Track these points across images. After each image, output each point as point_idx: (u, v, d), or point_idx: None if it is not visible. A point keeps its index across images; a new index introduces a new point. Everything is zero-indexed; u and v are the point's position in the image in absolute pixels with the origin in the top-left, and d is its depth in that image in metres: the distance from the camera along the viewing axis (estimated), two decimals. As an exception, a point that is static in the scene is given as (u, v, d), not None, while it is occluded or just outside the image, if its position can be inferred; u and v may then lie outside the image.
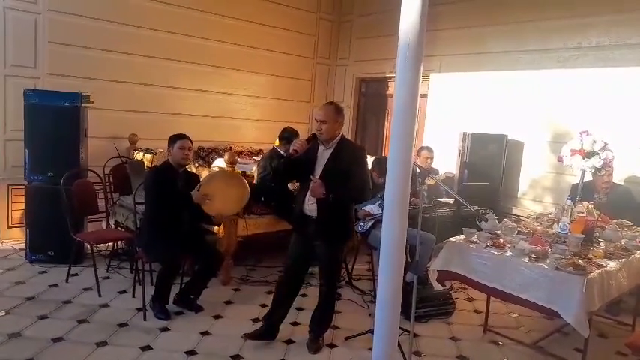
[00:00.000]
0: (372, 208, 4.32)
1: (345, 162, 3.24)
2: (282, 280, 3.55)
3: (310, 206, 3.27)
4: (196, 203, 3.75)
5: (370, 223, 4.34)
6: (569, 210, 3.71)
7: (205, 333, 3.64)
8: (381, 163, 4.46)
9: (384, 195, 2.27)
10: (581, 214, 3.65)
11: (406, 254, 4.25)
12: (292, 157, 3.15)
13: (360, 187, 3.27)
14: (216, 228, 4.54)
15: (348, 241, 3.53)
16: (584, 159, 4.27)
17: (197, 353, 3.33)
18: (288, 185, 4.63)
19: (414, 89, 2.13)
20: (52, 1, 5.54)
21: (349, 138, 8.08)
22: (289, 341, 3.56)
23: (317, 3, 8.00)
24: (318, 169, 3.25)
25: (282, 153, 4.54)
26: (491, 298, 3.84)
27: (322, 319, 3.53)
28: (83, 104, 4.89)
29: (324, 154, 3.28)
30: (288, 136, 4.84)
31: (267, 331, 3.48)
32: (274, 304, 3.51)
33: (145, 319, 3.77)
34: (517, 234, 3.61)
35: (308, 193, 3.25)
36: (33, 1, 5.45)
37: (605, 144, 4.29)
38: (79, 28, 5.74)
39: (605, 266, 3.08)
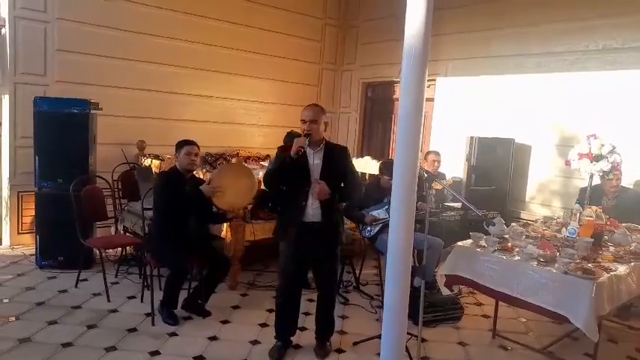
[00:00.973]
0: (378, 212, 4.32)
1: (338, 162, 3.30)
2: (281, 302, 3.43)
3: (314, 211, 3.24)
4: (206, 203, 3.75)
5: (377, 228, 4.33)
6: (578, 214, 3.69)
7: (213, 338, 3.64)
8: (390, 166, 4.44)
9: (390, 200, 2.27)
10: (589, 218, 3.63)
11: (414, 259, 4.25)
12: (299, 154, 3.13)
13: (357, 184, 3.41)
14: (223, 233, 4.56)
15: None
16: (592, 162, 4.24)
17: (205, 358, 3.34)
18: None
19: (420, 94, 2.13)
20: (60, 9, 5.61)
21: (355, 143, 8.15)
22: (297, 346, 3.55)
23: (323, 9, 8.04)
24: (315, 172, 3.24)
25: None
26: (500, 303, 3.82)
27: (329, 323, 3.53)
28: (92, 111, 4.95)
29: (315, 157, 3.26)
30: (292, 139, 4.85)
31: (284, 346, 3.46)
32: (282, 324, 3.45)
33: (153, 325, 3.79)
34: (525, 238, 3.59)
35: (310, 198, 3.22)
36: (42, 10, 5.52)
37: (614, 147, 4.26)
38: (87, 35, 5.81)
39: (615, 270, 3.06)
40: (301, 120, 3.25)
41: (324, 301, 3.49)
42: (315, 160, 3.26)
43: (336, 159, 3.30)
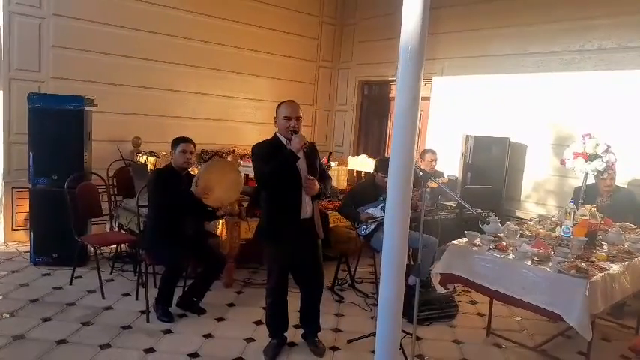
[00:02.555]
0: (374, 211, 4.33)
1: (314, 157, 3.33)
2: (274, 301, 3.39)
3: (307, 207, 3.28)
4: (199, 201, 3.75)
5: (373, 226, 4.34)
6: (572, 213, 3.71)
7: (208, 335, 3.64)
8: (386, 164, 4.44)
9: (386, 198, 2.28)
10: (584, 217, 3.65)
11: (409, 257, 4.26)
12: (305, 150, 3.15)
13: (329, 178, 3.47)
14: (219, 231, 4.56)
15: None
16: (586, 162, 4.26)
17: (200, 356, 3.34)
18: None
19: (416, 92, 2.14)
20: (56, 5, 5.58)
21: (351, 141, 8.16)
22: (291, 344, 3.56)
23: (320, 7, 8.03)
24: (302, 169, 3.22)
25: None
26: (495, 301, 3.83)
27: (317, 319, 3.54)
28: (87, 107, 4.93)
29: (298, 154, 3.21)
30: None
31: (279, 344, 3.47)
32: (276, 322, 3.45)
33: (148, 322, 3.79)
34: (520, 237, 3.60)
35: (304, 194, 3.23)
36: (37, 6, 5.49)
37: (608, 147, 4.28)
38: (83, 32, 5.78)
39: (608, 269, 3.07)
40: (285, 117, 3.19)
41: (315, 296, 3.49)
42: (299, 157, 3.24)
43: (312, 155, 3.33)
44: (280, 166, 3.11)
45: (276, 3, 7.35)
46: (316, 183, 3.21)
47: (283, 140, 3.23)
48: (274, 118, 3.31)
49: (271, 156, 3.14)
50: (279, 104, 3.29)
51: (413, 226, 3.82)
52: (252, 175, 4.87)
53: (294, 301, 3.54)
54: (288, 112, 3.19)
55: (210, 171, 3.90)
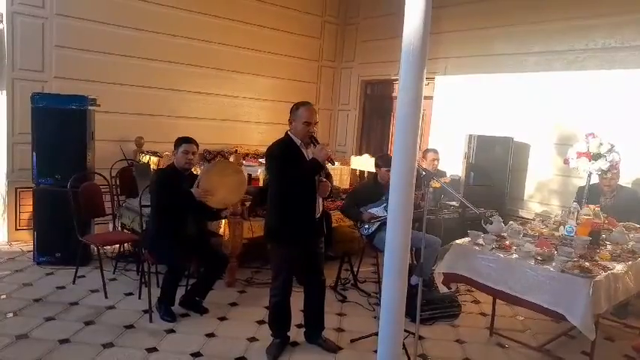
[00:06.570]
0: (377, 210, 4.32)
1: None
2: (280, 300, 3.38)
3: (320, 207, 3.34)
4: (199, 201, 3.76)
5: (375, 226, 4.33)
6: (576, 212, 3.69)
7: (211, 335, 3.65)
8: (386, 158, 4.42)
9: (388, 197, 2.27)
10: (587, 217, 3.64)
11: (411, 257, 4.25)
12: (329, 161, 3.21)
13: (330, 175, 3.47)
14: (221, 230, 4.56)
15: None
16: (590, 161, 4.24)
17: (202, 355, 3.34)
18: None
19: (418, 92, 2.13)
20: (59, 5, 5.59)
21: (354, 140, 8.16)
22: (294, 344, 3.56)
23: (322, 6, 8.03)
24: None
25: None
26: (498, 301, 3.83)
27: (322, 316, 3.54)
28: (90, 107, 4.94)
29: (309, 156, 3.25)
30: None
31: (284, 342, 3.48)
32: (280, 321, 3.45)
33: (150, 321, 3.79)
34: (523, 236, 3.59)
35: (317, 195, 3.27)
36: (40, 6, 5.50)
37: (612, 146, 4.26)
38: (85, 31, 5.79)
39: (612, 269, 3.06)
40: (306, 122, 3.20)
41: (320, 292, 3.50)
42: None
43: None
44: (305, 176, 3.19)
45: (278, 3, 7.35)
46: (328, 185, 3.25)
47: (297, 142, 3.26)
48: (289, 119, 3.30)
49: (289, 158, 3.19)
50: (297, 106, 3.28)
51: (415, 226, 3.82)
52: (255, 174, 4.90)
53: (296, 301, 3.54)
54: (308, 118, 3.21)
55: (211, 173, 3.90)
